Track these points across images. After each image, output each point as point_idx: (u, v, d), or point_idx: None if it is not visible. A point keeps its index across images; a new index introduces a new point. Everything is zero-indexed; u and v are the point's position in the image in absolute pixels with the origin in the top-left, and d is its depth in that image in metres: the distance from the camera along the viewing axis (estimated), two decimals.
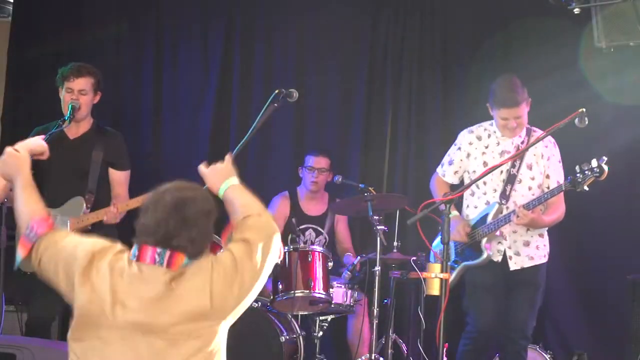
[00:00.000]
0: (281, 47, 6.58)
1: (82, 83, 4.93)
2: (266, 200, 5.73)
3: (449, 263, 4.76)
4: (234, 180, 2.87)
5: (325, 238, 6.00)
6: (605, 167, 4.38)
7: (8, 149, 2.92)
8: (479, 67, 6.06)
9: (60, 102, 4.99)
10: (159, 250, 2.50)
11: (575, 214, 5.78)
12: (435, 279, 3.93)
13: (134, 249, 2.54)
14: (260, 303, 5.18)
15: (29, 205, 2.72)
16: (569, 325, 5.96)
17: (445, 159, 5.03)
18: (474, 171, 4.86)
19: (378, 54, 6.47)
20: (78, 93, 4.92)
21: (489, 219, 4.75)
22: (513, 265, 4.78)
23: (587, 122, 4.07)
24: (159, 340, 2.46)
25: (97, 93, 5.01)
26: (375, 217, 5.16)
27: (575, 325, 5.96)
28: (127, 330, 2.46)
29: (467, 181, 4.92)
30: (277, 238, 2.69)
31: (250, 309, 5.06)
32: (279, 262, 5.09)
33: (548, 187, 4.78)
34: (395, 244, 5.49)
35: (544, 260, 4.86)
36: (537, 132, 4.85)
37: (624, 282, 5.48)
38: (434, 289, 3.96)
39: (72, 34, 6.67)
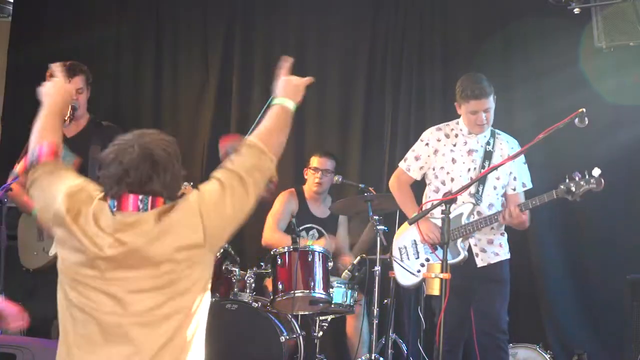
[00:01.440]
0: (281, 46, 6.57)
1: (78, 82, 4.92)
2: (268, 200, 5.72)
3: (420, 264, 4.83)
4: (289, 103, 2.91)
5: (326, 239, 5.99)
6: (602, 180, 4.42)
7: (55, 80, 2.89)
8: (479, 67, 6.05)
9: None
10: (141, 197, 2.51)
11: (575, 214, 5.80)
12: (435, 279, 3.91)
13: (110, 201, 2.53)
14: (260, 303, 5.18)
15: (45, 130, 2.74)
16: (569, 325, 5.95)
17: (410, 155, 5.01)
18: (442, 167, 4.88)
19: (378, 54, 6.48)
20: (76, 93, 4.91)
21: (463, 219, 4.76)
22: (480, 262, 4.81)
23: (587, 122, 4.06)
24: (156, 272, 2.47)
25: (88, 88, 5.01)
26: (375, 217, 5.16)
27: (575, 325, 5.95)
28: (123, 267, 2.47)
29: (430, 177, 4.93)
30: (266, 179, 2.69)
31: (250, 309, 5.11)
32: (279, 262, 5.16)
33: (514, 189, 4.87)
34: None
35: (508, 256, 4.90)
36: (501, 135, 4.93)
37: (623, 282, 5.47)
38: (434, 289, 3.94)
39: (72, 34, 6.68)
